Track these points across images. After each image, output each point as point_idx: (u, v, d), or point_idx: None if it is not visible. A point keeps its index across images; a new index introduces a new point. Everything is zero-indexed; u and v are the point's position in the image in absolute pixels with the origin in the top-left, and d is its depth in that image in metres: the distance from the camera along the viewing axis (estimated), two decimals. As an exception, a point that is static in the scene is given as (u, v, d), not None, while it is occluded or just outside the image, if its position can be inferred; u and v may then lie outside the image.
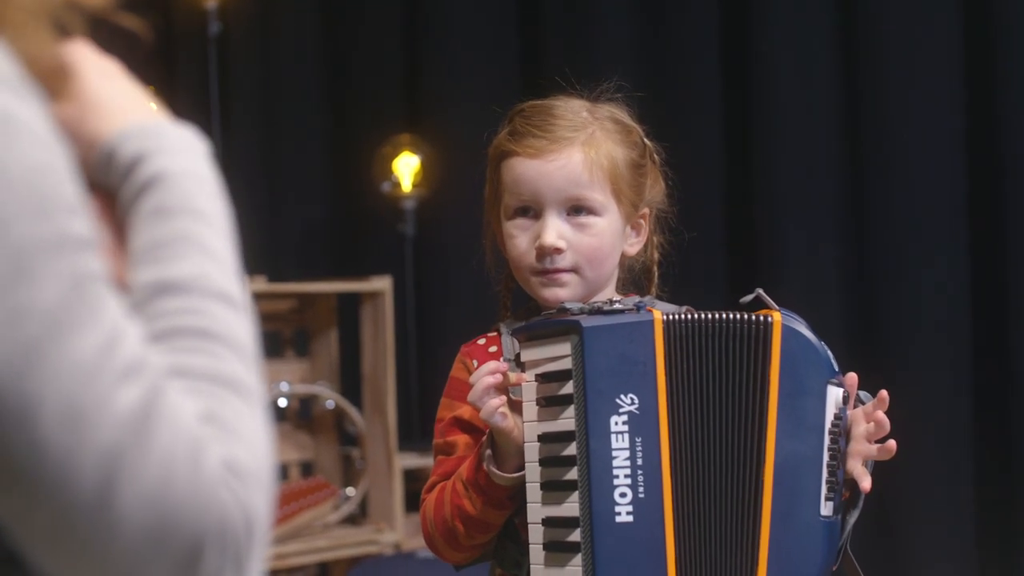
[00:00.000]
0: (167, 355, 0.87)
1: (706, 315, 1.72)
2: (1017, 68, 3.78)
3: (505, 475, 1.75)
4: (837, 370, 1.75)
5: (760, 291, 1.79)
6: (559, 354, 1.70)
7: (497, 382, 1.74)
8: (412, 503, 3.96)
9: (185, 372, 0.87)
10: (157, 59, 4.31)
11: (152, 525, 0.81)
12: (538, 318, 1.81)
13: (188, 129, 0.98)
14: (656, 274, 1.96)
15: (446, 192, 4.37)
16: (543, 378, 1.72)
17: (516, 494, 1.77)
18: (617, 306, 1.73)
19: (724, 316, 1.72)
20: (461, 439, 1.86)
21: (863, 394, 1.78)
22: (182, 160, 0.95)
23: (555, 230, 1.81)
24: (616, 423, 1.66)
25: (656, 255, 1.95)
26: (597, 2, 4.29)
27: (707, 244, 4.04)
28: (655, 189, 1.91)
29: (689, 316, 1.72)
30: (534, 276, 1.84)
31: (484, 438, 1.79)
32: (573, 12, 4.34)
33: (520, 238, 1.84)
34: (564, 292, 1.83)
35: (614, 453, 1.66)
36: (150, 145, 0.95)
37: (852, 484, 1.76)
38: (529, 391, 1.74)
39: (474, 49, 4.50)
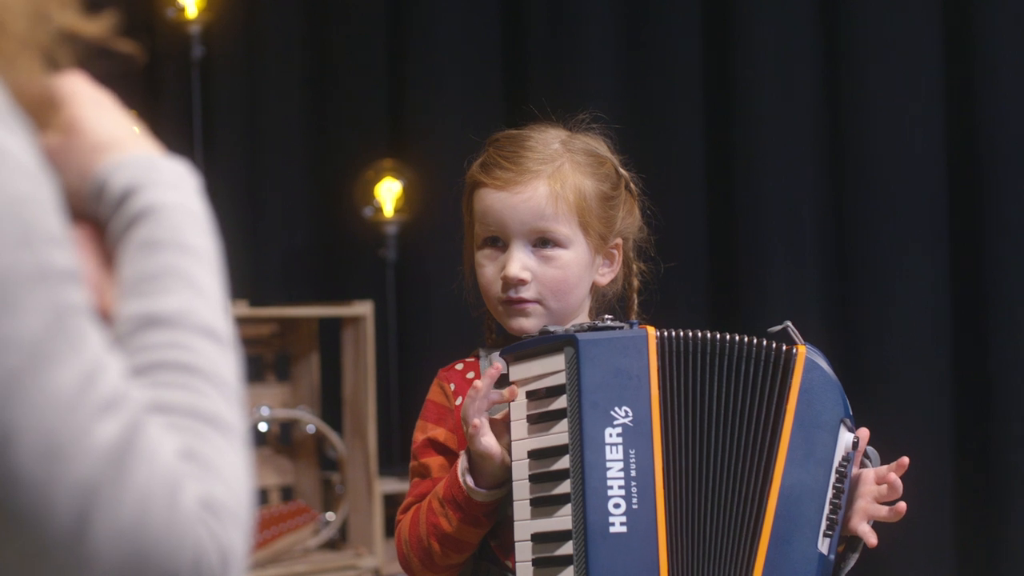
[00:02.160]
0: (149, 389, 0.86)
1: (711, 334, 1.76)
2: (997, 87, 3.81)
3: (483, 491, 1.77)
4: (851, 414, 1.78)
5: (789, 324, 1.82)
6: (551, 369, 1.73)
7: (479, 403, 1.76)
8: (392, 528, 3.94)
9: (166, 407, 0.86)
10: (140, 82, 4.31)
11: (126, 561, 0.81)
12: (525, 339, 1.83)
13: (180, 163, 0.98)
14: (636, 301, 1.98)
15: (428, 217, 4.37)
16: (533, 395, 1.75)
17: (492, 512, 1.80)
18: (609, 323, 1.76)
19: (742, 339, 1.76)
20: (435, 461, 1.88)
21: (870, 450, 1.81)
22: (173, 194, 0.95)
23: (519, 262, 1.84)
24: (611, 435, 1.68)
25: (636, 283, 1.98)
26: (581, 30, 4.31)
27: (689, 270, 4.05)
28: (629, 219, 1.93)
29: (691, 333, 1.75)
30: (500, 305, 1.87)
31: (460, 456, 1.80)
32: (557, 39, 4.36)
33: (488, 267, 1.88)
34: (529, 322, 1.86)
35: (608, 464, 1.68)
36: (142, 178, 0.95)
37: (850, 539, 1.79)
38: (518, 409, 1.76)
39: (458, 75, 4.51)
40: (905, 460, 1.79)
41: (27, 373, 0.79)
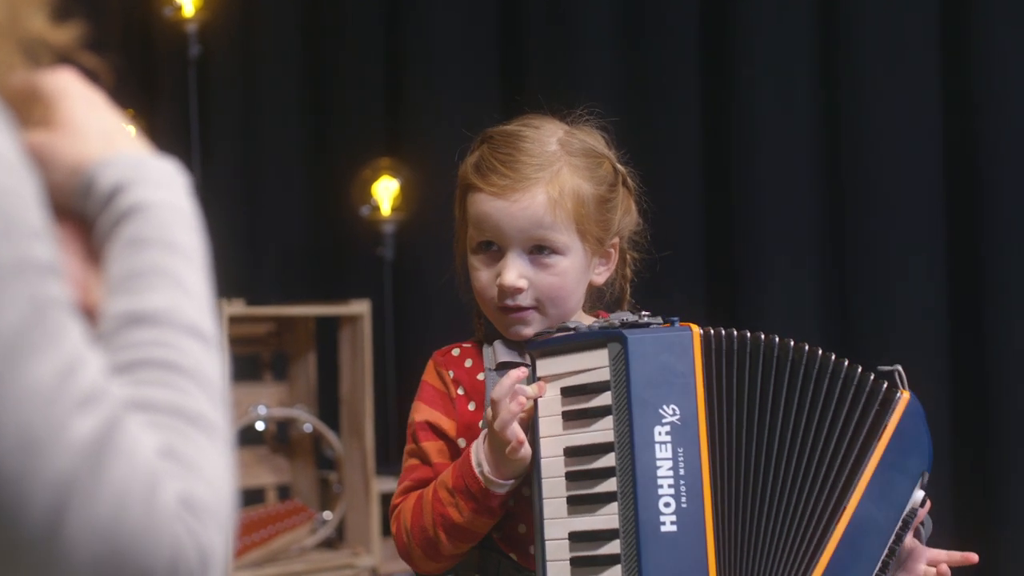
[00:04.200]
0: (131, 387, 0.86)
1: (778, 339, 1.75)
2: (994, 93, 3.80)
3: (504, 482, 1.75)
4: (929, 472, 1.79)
5: (899, 368, 1.81)
6: (591, 365, 1.71)
7: (521, 409, 1.73)
8: (389, 527, 3.95)
9: (148, 405, 0.85)
10: (137, 81, 4.31)
11: (102, 558, 0.80)
12: (550, 334, 1.81)
13: (169, 161, 0.97)
14: (628, 291, 1.96)
15: (425, 216, 4.37)
16: (569, 391, 1.73)
17: (506, 501, 1.78)
18: (647, 319, 1.75)
19: (826, 355, 1.76)
20: (434, 445, 1.86)
21: (926, 519, 1.83)
22: (162, 192, 0.94)
23: (516, 270, 1.81)
24: (659, 433, 1.67)
25: (629, 272, 1.96)
26: (578, 26, 4.30)
27: (687, 265, 4.05)
28: (627, 218, 1.91)
29: (746, 334, 1.74)
30: (496, 312, 1.85)
31: (473, 447, 1.78)
32: (554, 37, 4.36)
33: (483, 271, 1.85)
34: (527, 330, 1.84)
35: (658, 463, 1.66)
36: (130, 175, 0.94)
37: None
38: (549, 405, 1.74)
39: (455, 74, 4.50)
40: (974, 557, 1.82)
41: (4, 366, 0.78)
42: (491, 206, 1.82)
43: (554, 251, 1.82)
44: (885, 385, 1.78)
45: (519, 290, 1.81)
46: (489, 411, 1.76)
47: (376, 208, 4.44)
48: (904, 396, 1.78)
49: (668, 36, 4.19)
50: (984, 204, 3.81)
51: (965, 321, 3.85)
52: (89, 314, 0.90)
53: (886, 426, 1.76)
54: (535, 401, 1.75)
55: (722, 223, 4.12)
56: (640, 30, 4.25)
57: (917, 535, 1.81)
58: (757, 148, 4.05)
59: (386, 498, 4.01)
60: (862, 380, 1.77)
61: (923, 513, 1.79)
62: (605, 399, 1.69)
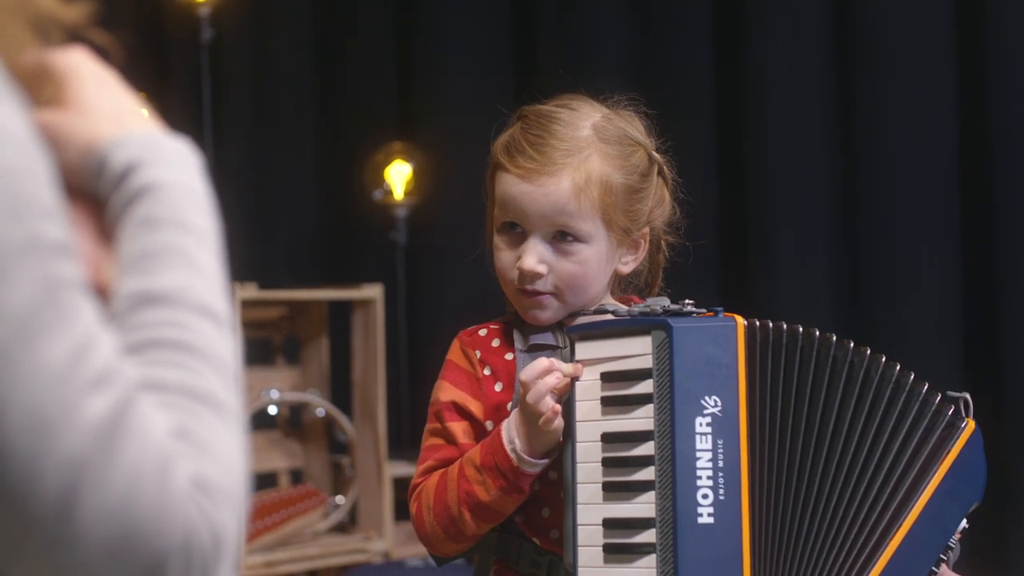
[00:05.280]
0: (143, 367, 0.85)
1: (824, 334, 1.73)
2: (1010, 83, 3.79)
3: (537, 461, 1.73)
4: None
5: (967, 395, 1.78)
6: (633, 352, 1.70)
7: (557, 383, 1.72)
8: (402, 511, 3.95)
9: (160, 385, 0.85)
10: (149, 65, 4.31)
11: (114, 539, 0.79)
12: (589, 319, 1.79)
13: (182, 141, 0.96)
14: (660, 277, 1.94)
15: (438, 200, 4.37)
16: (609, 376, 1.71)
17: (534, 480, 1.76)
18: (690, 308, 1.73)
19: (888, 363, 1.73)
20: (459, 426, 1.83)
21: (956, 545, 1.81)
22: (175, 172, 0.93)
23: (536, 255, 1.79)
24: (700, 424, 1.66)
25: (662, 259, 1.93)
26: (591, 12, 4.30)
27: (699, 252, 4.03)
28: (659, 208, 1.87)
29: (797, 327, 1.72)
30: (515, 293, 1.83)
31: (503, 424, 1.76)
32: (567, 22, 4.35)
33: (505, 252, 1.83)
34: (544, 314, 1.82)
35: (698, 454, 1.65)
36: (143, 155, 0.93)
37: None
38: (588, 390, 1.73)
39: (467, 58, 4.50)
40: None
41: (16, 345, 0.78)
42: (516, 188, 1.80)
43: (577, 239, 1.79)
44: (952, 409, 1.75)
45: (538, 275, 1.79)
46: (520, 390, 1.74)
47: (389, 192, 4.44)
48: (970, 424, 1.76)
49: (681, 20, 4.18)
50: (999, 195, 3.80)
51: (979, 312, 3.84)
52: (102, 294, 0.89)
53: (949, 451, 1.74)
54: (573, 383, 1.73)
55: (735, 211, 4.11)
56: (652, 13, 4.24)
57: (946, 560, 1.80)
58: (771, 136, 4.05)
59: (398, 482, 4.01)
60: (928, 398, 1.74)
61: (956, 538, 1.78)
62: (646, 387, 1.68)
